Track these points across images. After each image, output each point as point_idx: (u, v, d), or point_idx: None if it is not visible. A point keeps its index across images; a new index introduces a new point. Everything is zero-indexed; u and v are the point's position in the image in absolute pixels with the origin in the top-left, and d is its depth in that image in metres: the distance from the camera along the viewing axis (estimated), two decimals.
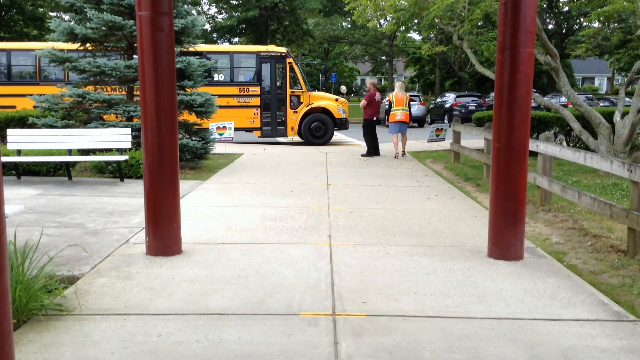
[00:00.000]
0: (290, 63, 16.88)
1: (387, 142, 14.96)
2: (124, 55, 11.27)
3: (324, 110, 17.11)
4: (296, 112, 16.95)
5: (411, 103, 15.27)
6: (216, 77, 17.14)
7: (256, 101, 16.87)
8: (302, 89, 16.98)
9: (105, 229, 6.27)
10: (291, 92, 16.92)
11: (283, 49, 17.36)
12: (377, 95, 13.67)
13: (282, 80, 17.17)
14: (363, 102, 13.71)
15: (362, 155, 13.44)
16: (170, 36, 5.18)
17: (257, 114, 16.87)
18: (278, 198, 8.08)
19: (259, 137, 17.35)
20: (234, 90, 16.78)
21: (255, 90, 16.92)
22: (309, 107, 16.96)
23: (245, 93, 16.85)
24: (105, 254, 5.30)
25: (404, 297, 4.30)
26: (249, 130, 17.05)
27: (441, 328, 3.76)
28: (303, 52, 50.82)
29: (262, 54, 17.06)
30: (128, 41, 10.92)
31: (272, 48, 17.72)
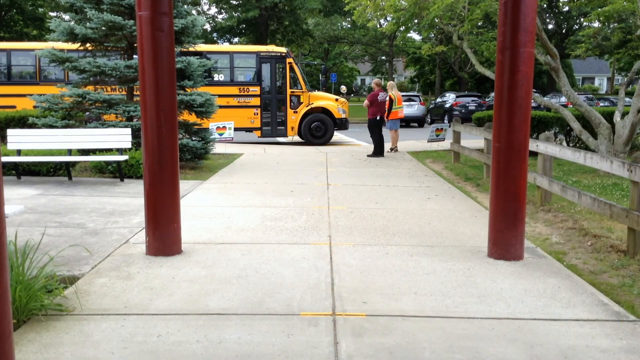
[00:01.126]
0: (290, 63, 16.88)
1: (389, 141, 14.98)
2: (124, 55, 11.27)
3: (324, 110, 17.11)
4: (296, 112, 16.97)
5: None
6: (216, 77, 17.16)
7: (256, 101, 16.88)
8: (302, 89, 16.99)
9: (105, 229, 6.27)
10: (291, 92, 16.93)
11: (283, 49, 17.36)
12: (381, 95, 13.64)
13: (282, 80, 17.18)
14: (366, 102, 13.72)
15: (368, 156, 13.42)
16: (170, 36, 5.18)
17: (257, 114, 16.88)
18: (278, 198, 8.08)
19: (259, 137, 17.35)
20: (234, 90, 16.79)
21: (255, 90, 16.92)
22: (309, 107, 16.97)
23: (245, 93, 16.86)
24: (105, 254, 5.31)
25: (404, 297, 4.31)
26: (249, 130, 17.06)
27: (441, 328, 3.76)
28: (303, 52, 50.81)
29: (262, 54, 17.06)
30: (128, 41, 10.92)
31: (272, 48, 17.73)
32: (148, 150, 5.24)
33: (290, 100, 16.95)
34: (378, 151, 13.44)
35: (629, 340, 3.62)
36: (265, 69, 17.15)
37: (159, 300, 4.20)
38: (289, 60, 16.89)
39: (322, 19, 43.47)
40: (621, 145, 10.75)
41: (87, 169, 10.47)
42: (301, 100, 16.97)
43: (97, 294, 4.29)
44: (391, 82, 14.92)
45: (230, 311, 4.00)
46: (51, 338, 3.57)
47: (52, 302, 3.96)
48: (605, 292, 4.55)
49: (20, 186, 8.88)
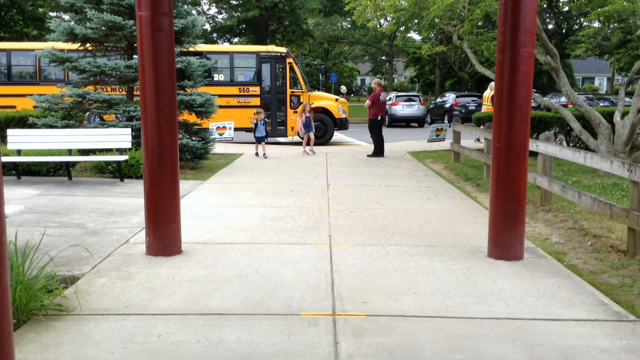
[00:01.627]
0: (290, 63, 16.90)
1: (391, 142, 14.97)
2: (124, 55, 11.27)
3: (324, 110, 17.12)
4: (296, 112, 16.97)
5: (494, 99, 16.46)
6: (216, 77, 17.17)
7: (256, 101, 16.88)
8: (302, 89, 17.01)
9: (105, 229, 6.27)
10: (291, 92, 16.95)
11: (283, 49, 17.37)
12: (382, 95, 13.63)
13: (282, 80, 17.20)
14: (367, 102, 13.68)
15: (369, 156, 13.43)
16: (170, 36, 5.18)
17: None
18: (278, 198, 8.09)
19: None
20: (234, 90, 16.80)
21: (255, 90, 16.94)
22: None
23: (246, 93, 16.87)
24: (105, 254, 5.31)
25: (404, 297, 4.31)
26: (249, 130, 17.07)
27: (441, 328, 3.76)
28: (303, 52, 50.81)
29: (262, 54, 17.08)
30: (128, 41, 10.92)
31: (272, 48, 17.74)
32: (148, 150, 5.24)
33: (290, 100, 16.95)
34: (378, 151, 13.44)
35: (629, 340, 3.62)
36: (265, 69, 17.15)
37: (159, 300, 4.20)
38: (289, 60, 16.90)
39: (322, 19, 43.49)
40: (621, 145, 10.75)
41: (87, 169, 10.47)
42: (301, 100, 16.98)
43: (97, 294, 4.30)
44: (493, 82, 15.65)
45: (230, 311, 4.00)
46: (51, 338, 3.57)
47: (52, 302, 3.96)
48: (605, 292, 4.55)
49: (20, 186, 8.88)
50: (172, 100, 5.24)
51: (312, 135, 14.48)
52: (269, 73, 17.17)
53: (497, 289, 4.49)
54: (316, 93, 17.91)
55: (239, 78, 17.47)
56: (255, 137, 13.63)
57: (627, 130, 10.64)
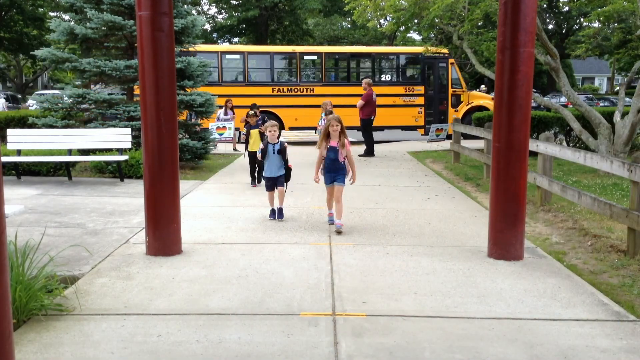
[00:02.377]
0: (452, 64, 17.96)
1: (391, 142, 14.96)
2: (124, 55, 11.27)
3: (481, 109, 18.09)
4: (457, 110, 18.10)
5: None
6: (383, 77, 18.46)
7: (420, 100, 17.85)
8: (462, 88, 18.24)
9: (105, 229, 6.27)
10: (452, 91, 18.02)
11: (445, 50, 18.28)
12: (374, 95, 13.66)
13: (444, 80, 18.31)
14: (360, 102, 13.65)
15: (360, 155, 13.44)
16: (170, 36, 5.19)
17: (422, 112, 17.84)
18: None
19: (422, 135, 18.15)
20: (400, 89, 17.82)
21: (420, 89, 17.89)
22: (469, 106, 18.17)
23: (411, 92, 17.83)
24: (105, 254, 5.31)
25: (404, 297, 4.31)
26: (412, 128, 18.13)
27: (441, 328, 3.76)
28: None
29: (426, 54, 17.60)
30: (128, 41, 10.92)
31: (435, 49, 18.07)
32: (148, 150, 5.24)
33: (452, 99, 18.14)
34: (371, 150, 13.47)
35: (629, 340, 3.62)
36: (429, 69, 18.18)
37: (159, 300, 4.20)
38: (450, 60, 18.11)
39: (322, 19, 43.49)
40: (621, 145, 10.75)
41: (87, 169, 10.46)
42: (461, 100, 18.21)
43: (97, 294, 4.29)
44: None
45: (230, 311, 4.00)
46: (51, 338, 3.57)
47: (52, 302, 3.95)
48: (605, 292, 4.55)
49: (20, 186, 8.88)
50: (172, 100, 5.24)
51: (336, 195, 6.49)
52: (432, 73, 18.19)
53: (497, 289, 4.49)
54: (475, 92, 19.09)
55: (403, 78, 18.44)
56: (263, 177, 7.07)
57: (627, 130, 10.64)
